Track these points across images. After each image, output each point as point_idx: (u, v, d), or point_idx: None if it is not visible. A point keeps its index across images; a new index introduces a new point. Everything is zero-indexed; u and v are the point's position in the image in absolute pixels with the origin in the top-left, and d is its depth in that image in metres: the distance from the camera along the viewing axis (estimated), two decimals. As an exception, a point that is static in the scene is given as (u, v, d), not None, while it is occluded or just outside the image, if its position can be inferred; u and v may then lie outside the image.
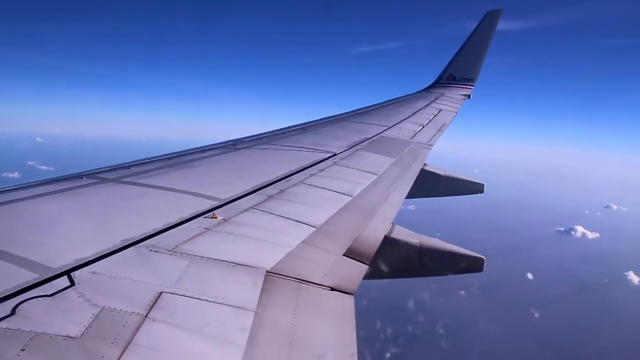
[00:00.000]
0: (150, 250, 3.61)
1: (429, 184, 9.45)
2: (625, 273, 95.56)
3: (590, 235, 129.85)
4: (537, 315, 72.73)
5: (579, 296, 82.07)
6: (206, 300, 3.06)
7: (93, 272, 3.15)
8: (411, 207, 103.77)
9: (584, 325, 70.65)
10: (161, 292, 3.02)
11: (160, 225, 4.08)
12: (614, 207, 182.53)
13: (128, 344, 2.46)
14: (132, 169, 6.15)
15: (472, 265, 6.07)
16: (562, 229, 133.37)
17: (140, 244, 3.68)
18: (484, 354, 61.49)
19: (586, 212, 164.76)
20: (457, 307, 73.57)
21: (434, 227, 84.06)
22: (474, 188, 10.62)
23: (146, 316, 2.73)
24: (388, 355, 58.42)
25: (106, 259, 3.36)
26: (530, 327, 68.88)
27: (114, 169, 6.18)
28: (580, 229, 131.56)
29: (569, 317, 72.95)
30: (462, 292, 78.01)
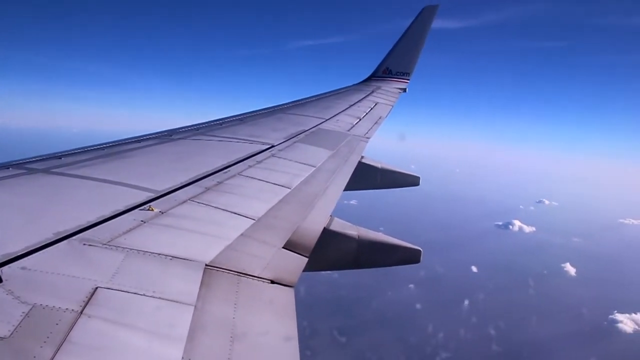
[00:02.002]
0: (84, 244, 3.48)
1: (366, 177, 9.53)
2: (562, 265, 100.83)
3: (527, 229, 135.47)
4: (484, 307, 75.20)
5: (523, 288, 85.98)
6: (144, 295, 2.98)
7: (23, 268, 3.00)
8: (353, 202, 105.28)
9: (531, 315, 74.05)
10: (96, 288, 2.91)
11: (94, 218, 3.93)
12: (546, 202, 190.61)
13: (62, 343, 2.36)
14: (63, 159, 5.90)
15: (410, 256, 6.18)
16: (500, 223, 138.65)
17: (74, 238, 3.54)
18: (435, 345, 63.07)
19: (520, 206, 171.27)
20: (407, 300, 75.18)
21: (376, 221, 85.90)
22: (410, 181, 10.80)
23: (81, 313, 2.63)
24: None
25: (37, 254, 3.21)
26: (479, 319, 71.27)
27: (44, 159, 5.90)
28: (517, 223, 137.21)
29: (516, 308, 76.11)
30: (412, 285, 79.61)
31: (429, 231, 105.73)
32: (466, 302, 76.49)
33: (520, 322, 71.43)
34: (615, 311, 78.43)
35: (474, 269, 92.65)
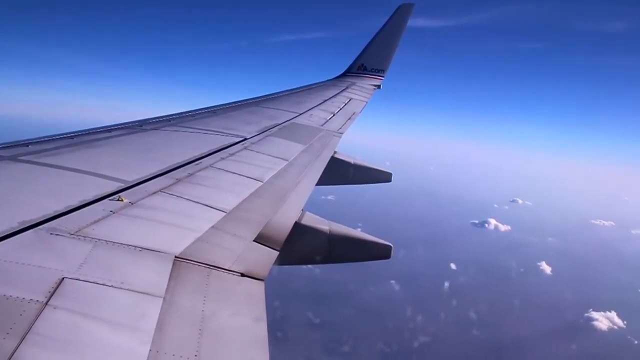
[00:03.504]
0: (51, 234, 3.42)
1: (339, 172, 9.54)
2: (538, 263, 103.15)
3: (503, 227, 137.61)
4: (464, 304, 76.05)
5: (502, 285, 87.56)
6: (112, 286, 2.93)
7: None
8: (330, 197, 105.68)
9: (510, 313, 75.79)
10: (63, 278, 2.86)
11: (61, 207, 3.86)
12: (520, 201, 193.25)
13: (26, 334, 2.31)
14: (30, 147, 5.79)
15: (380, 252, 6.22)
16: (477, 221, 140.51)
17: (40, 227, 3.47)
18: (411, 343, 63.63)
19: (495, 205, 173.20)
20: (388, 294, 75.80)
21: (354, 217, 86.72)
22: (382, 177, 10.84)
23: (46, 304, 2.57)
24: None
25: (1, 243, 3.14)
26: (458, 315, 72.32)
27: (10, 146, 5.77)
28: (493, 221, 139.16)
29: (494, 306, 77.46)
30: (393, 281, 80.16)
31: (407, 228, 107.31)
32: (444, 299, 77.46)
33: (500, 320, 72.76)
34: (591, 309, 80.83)
35: (453, 266, 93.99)
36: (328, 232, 5.82)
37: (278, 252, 4.36)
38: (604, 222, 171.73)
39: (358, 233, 6.30)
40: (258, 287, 3.60)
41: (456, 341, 65.40)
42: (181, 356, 2.55)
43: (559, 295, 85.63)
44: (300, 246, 5.58)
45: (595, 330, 76.33)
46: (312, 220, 5.82)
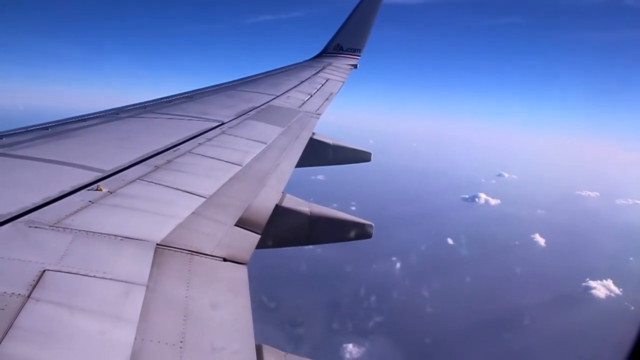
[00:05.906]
0: (30, 226, 3.39)
1: (318, 153, 9.56)
2: (532, 236, 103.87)
3: (493, 201, 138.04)
4: (465, 278, 76.86)
5: (498, 258, 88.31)
6: (94, 276, 2.93)
7: None
8: (320, 177, 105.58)
9: (513, 285, 76.78)
10: (44, 270, 2.85)
11: (39, 200, 3.83)
12: (506, 175, 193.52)
13: (9, 328, 2.30)
14: (4, 139, 5.71)
15: (362, 232, 6.27)
16: (467, 196, 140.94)
17: (18, 220, 3.44)
18: (418, 316, 64.14)
19: (482, 180, 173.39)
20: (391, 273, 76.11)
21: (345, 196, 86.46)
22: (361, 156, 10.87)
23: (28, 297, 2.56)
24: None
25: None
26: (459, 290, 73.11)
27: None
28: (483, 195, 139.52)
29: (493, 278, 78.39)
30: (394, 258, 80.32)
31: (399, 205, 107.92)
32: (444, 274, 77.81)
33: (504, 291, 73.78)
34: (588, 278, 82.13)
35: (450, 240, 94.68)
36: (309, 213, 5.85)
37: (260, 236, 4.38)
38: (589, 193, 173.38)
39: (339, 214, 6.34)
40: (241, 272, 3.62)
41: (465, 313, 66.06)
42: (166, 343, 2.57)
43: (555, 266, 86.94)
44: (282, 229, 5.61)
45: (594, 298, 77.82)
46: (292, 202, 5.85)
